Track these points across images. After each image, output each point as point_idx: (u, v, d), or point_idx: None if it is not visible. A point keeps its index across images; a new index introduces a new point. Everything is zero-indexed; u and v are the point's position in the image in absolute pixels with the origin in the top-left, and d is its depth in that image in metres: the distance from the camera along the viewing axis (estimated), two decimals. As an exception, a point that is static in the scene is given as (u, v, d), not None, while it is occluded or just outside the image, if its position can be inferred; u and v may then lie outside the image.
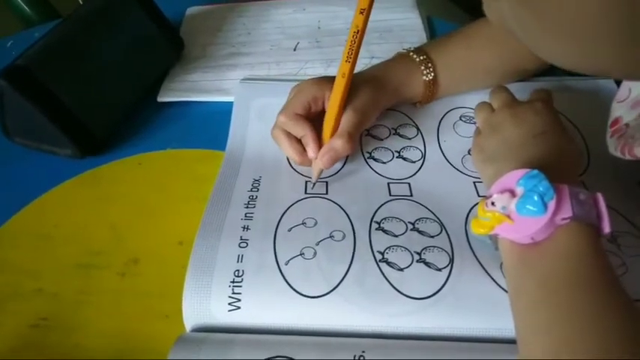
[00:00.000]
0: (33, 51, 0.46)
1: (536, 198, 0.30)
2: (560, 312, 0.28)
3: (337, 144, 0.43)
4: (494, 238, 0.36)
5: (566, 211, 0.31)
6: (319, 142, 0.44)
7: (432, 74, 0.49)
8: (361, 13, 0.40)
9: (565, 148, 0.39)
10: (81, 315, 0.38)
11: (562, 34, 0.26)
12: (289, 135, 0.45)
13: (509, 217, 0.32)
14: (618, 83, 0.45)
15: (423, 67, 0.49)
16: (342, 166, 0.47)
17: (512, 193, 0.32)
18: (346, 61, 0.41)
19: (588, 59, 0.27)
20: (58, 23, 0.50)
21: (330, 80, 0.44)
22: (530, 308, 0.30)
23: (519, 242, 0.32)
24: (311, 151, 0.44)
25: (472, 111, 0.51)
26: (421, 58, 0.49)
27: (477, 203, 0.43)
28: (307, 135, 0.44)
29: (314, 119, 0.45)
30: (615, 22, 0.23)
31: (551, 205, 0.30)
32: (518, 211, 0.31)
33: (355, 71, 0.42)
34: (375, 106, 0.46)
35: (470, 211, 0.42)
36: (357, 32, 0.40)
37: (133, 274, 0.41)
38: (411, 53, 0.49)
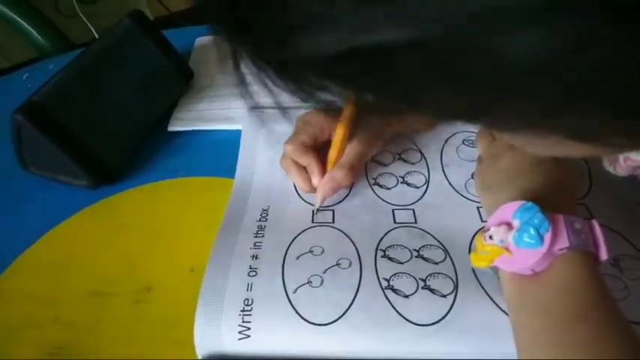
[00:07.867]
0: (48, 87, 0.48)
1: (532, 231, 0.31)
2: (559, 342, 0.29)
3: (338, 174, 0.44)
4: (494, 269, 0.37)
5: (563, 242, 0.31)
6: (324, 171, 0.46)
7: None
8: None
9: (561, 177, 0.39)
10: (95, 343, 0.39)
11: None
12: (297, 165, 0.46)
13: (507, 249, 0.33)
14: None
15: None
16: (348, 194, 0.48)
17: (509, 226, 0.33)
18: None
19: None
20: (73, 59, 0.51)
21: (336, 109, 0.45)
22: (529, 338, 0.31)
23: (520, 273, 0.33)
24: (315, 180, 0.45)
25: (475, 135, 0.52)
26: None
27: (480, 229, 0.44)
28: (312, 164, 0.45)
29: (321, 148, 0.47)
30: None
31: (548, 236, 0.31)
32: (515, 244, 0.32)
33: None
34: (380, 137, 0.48)
35: (473, 237, 0.43)
36: None
37: (146, 301, 0.42)
38: None
